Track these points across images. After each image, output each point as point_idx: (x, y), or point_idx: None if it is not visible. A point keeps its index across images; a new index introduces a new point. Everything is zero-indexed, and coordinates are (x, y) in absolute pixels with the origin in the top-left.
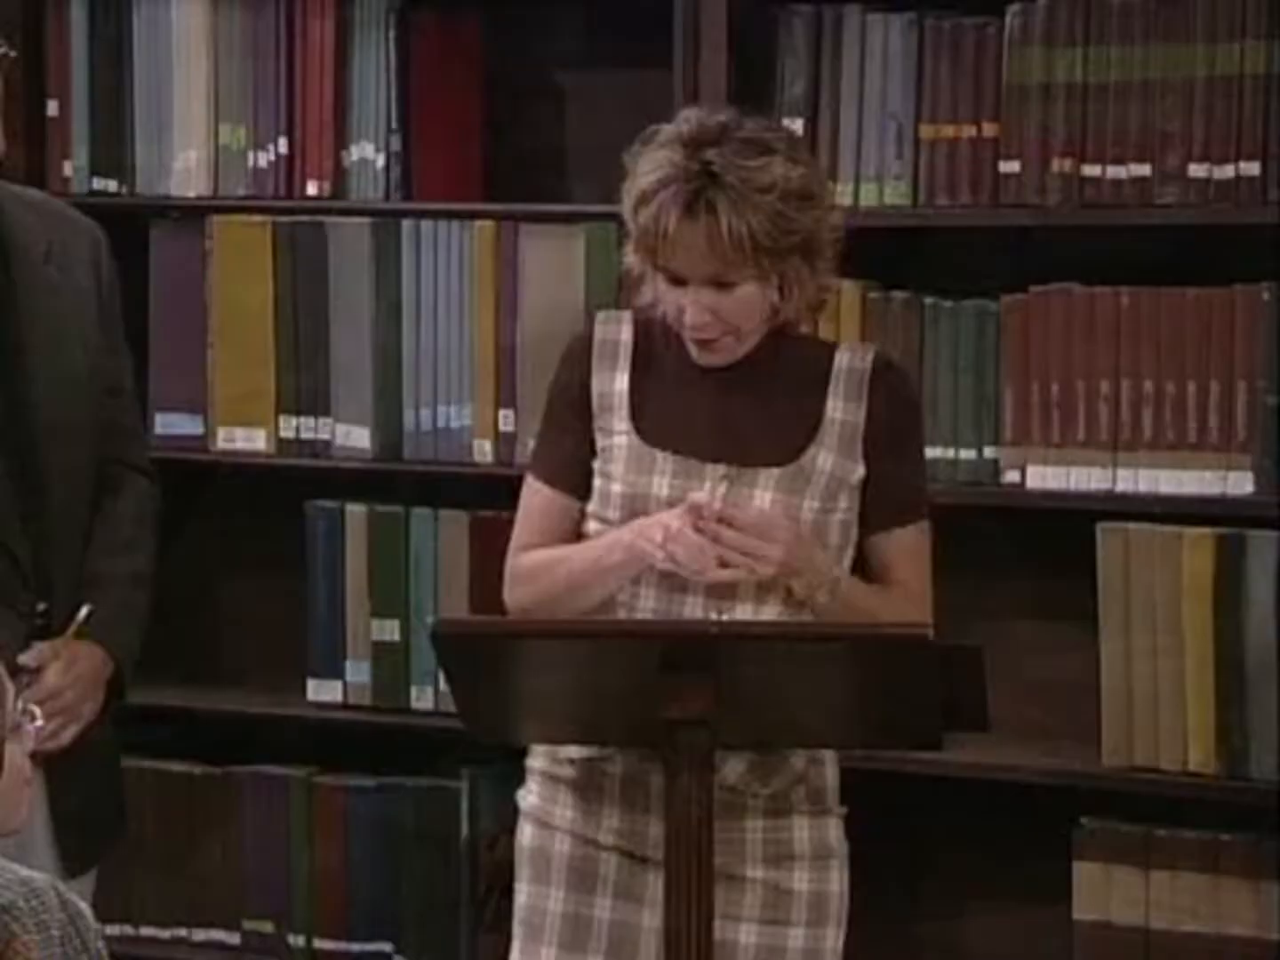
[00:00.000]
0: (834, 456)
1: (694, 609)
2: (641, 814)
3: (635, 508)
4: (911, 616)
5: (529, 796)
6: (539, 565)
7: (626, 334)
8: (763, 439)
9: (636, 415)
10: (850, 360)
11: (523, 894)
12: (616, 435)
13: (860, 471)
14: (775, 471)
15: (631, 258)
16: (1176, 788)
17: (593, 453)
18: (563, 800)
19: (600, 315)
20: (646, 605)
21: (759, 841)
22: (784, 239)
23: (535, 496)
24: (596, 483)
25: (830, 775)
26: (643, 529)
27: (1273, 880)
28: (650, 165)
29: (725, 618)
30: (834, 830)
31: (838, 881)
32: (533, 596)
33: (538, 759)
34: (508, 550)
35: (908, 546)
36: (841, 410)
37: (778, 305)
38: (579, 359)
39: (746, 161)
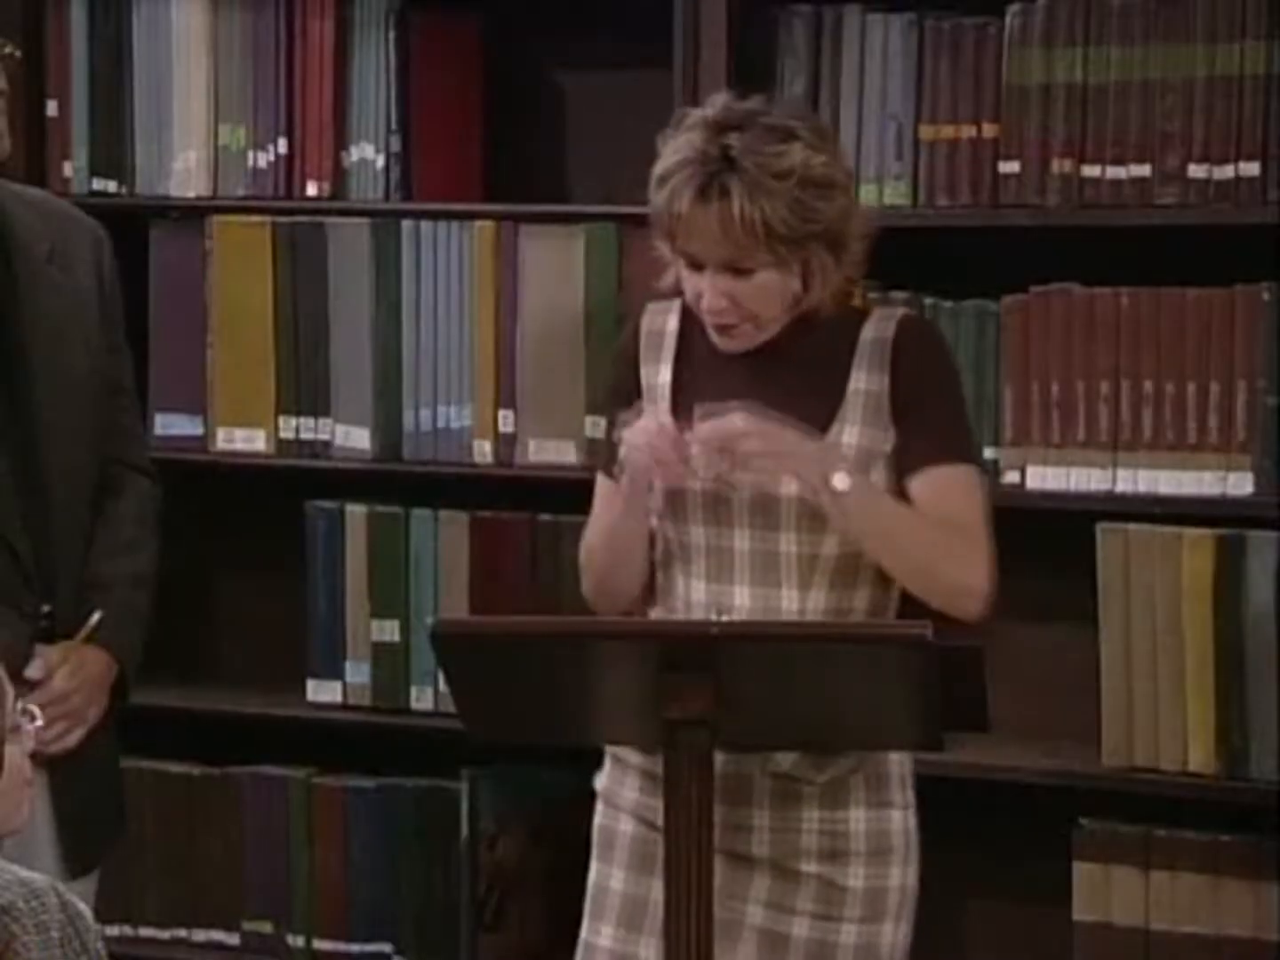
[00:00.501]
0: (860, 429)
1: (741, 598)
2: (663, 797)
3: (675, 501)
4: (963, 552)
5: (601, 777)
6: (588, 550)
7: (673, 323)
8: (789, 421)
9: (676, 406)
10: (875, 330)
11: (592, 870)
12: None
13: (892, 439)
14: None
15: (659, 241)
16: (1176, 788)
17: None
18: (629, 783)
19: (650, 305)
20: (699, 597)
21: (814, 834)
22: (802, 226)
23: (599, 490)
24: None
25: (894, 763)
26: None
27: (1273, 881)
28: (673, 148)
29: (726, 618)
30: (896, 823)
31: (898, 876)
32: (593, 581)
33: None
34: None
35: (948, 484)
36: (865, 381)
37: (799, 295)
38: (629, 352)
39: (765, 147)
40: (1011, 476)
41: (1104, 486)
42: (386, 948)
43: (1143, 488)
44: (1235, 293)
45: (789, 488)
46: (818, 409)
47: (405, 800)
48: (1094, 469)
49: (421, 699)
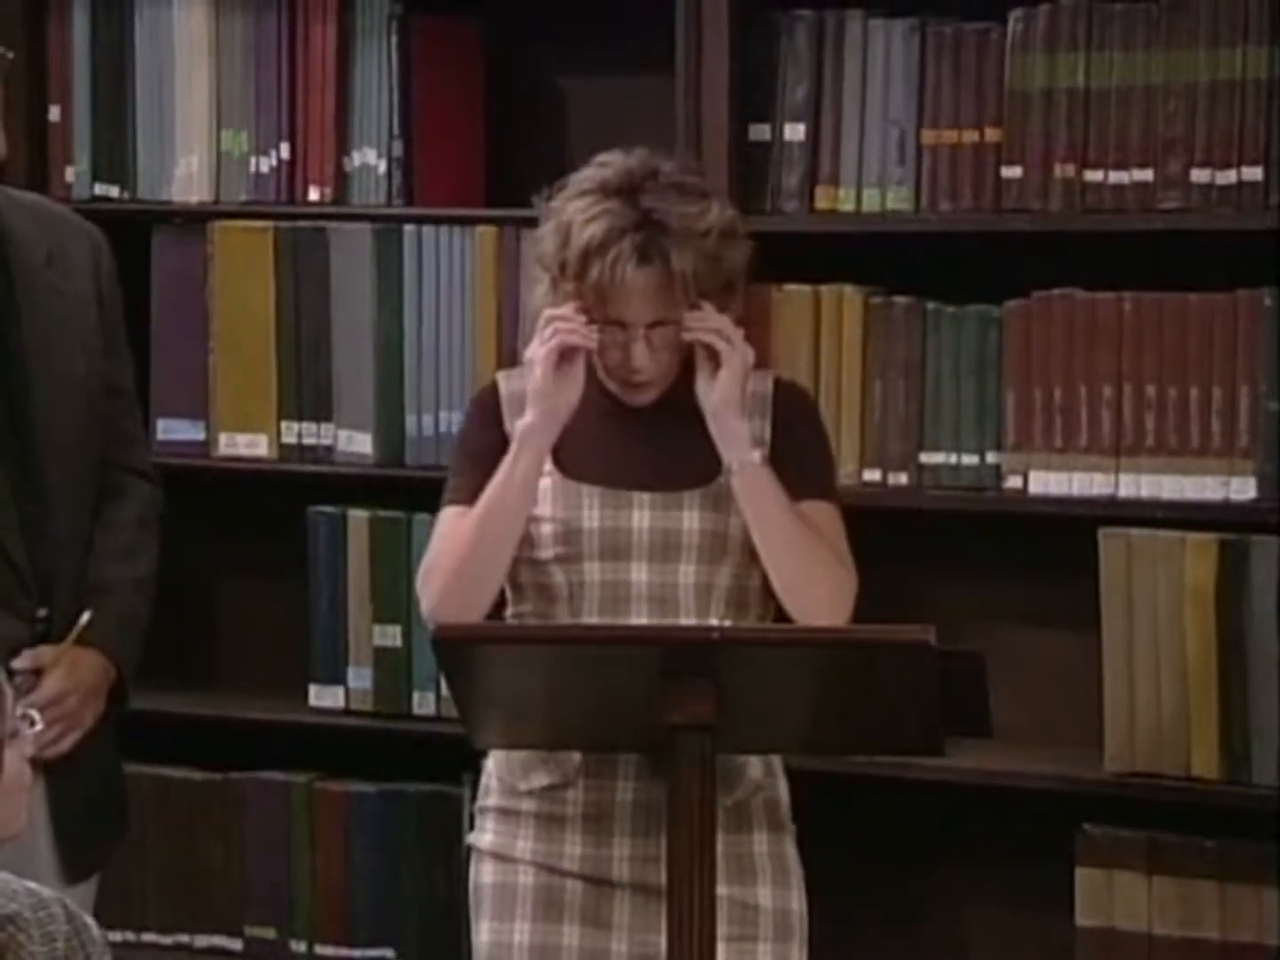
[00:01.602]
0: None
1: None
2: (605, 837)
3: (569, 541)
4: (835, 566)
5: (484, 836)
6: (438, 554)
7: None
8: (682, 463)
9: (558, 455)
10: (753, 384)
11: (485, 933)
12: (541, 478)
13: None
14: (698, 493)
15: (551, 300)
16: (1179, 793)
17: None
18: (523, 833)
19: (501, 374)
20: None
21: (722, 857)
22: (718, 277)
23: (461, 520)
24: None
25: (783, 789)
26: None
27: (1275, 886)
28: (588, 215)
29: (727, 623)
30: (790, 846)
31: (797, 900)
32: (445, 577)
33: (491, 797)
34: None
35: (822, 519)
36: (749, 428)
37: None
38: (490, 410)
39: (685, 207)
40: (1014, 481)
41: (1106, 491)
42: (389, 953)
43: (1145, 493)
44: (1237, 297)
45: (691, 522)
46: (709, 453)
47: (407, 805)
48: (1096, 474)
49: (423, 704)
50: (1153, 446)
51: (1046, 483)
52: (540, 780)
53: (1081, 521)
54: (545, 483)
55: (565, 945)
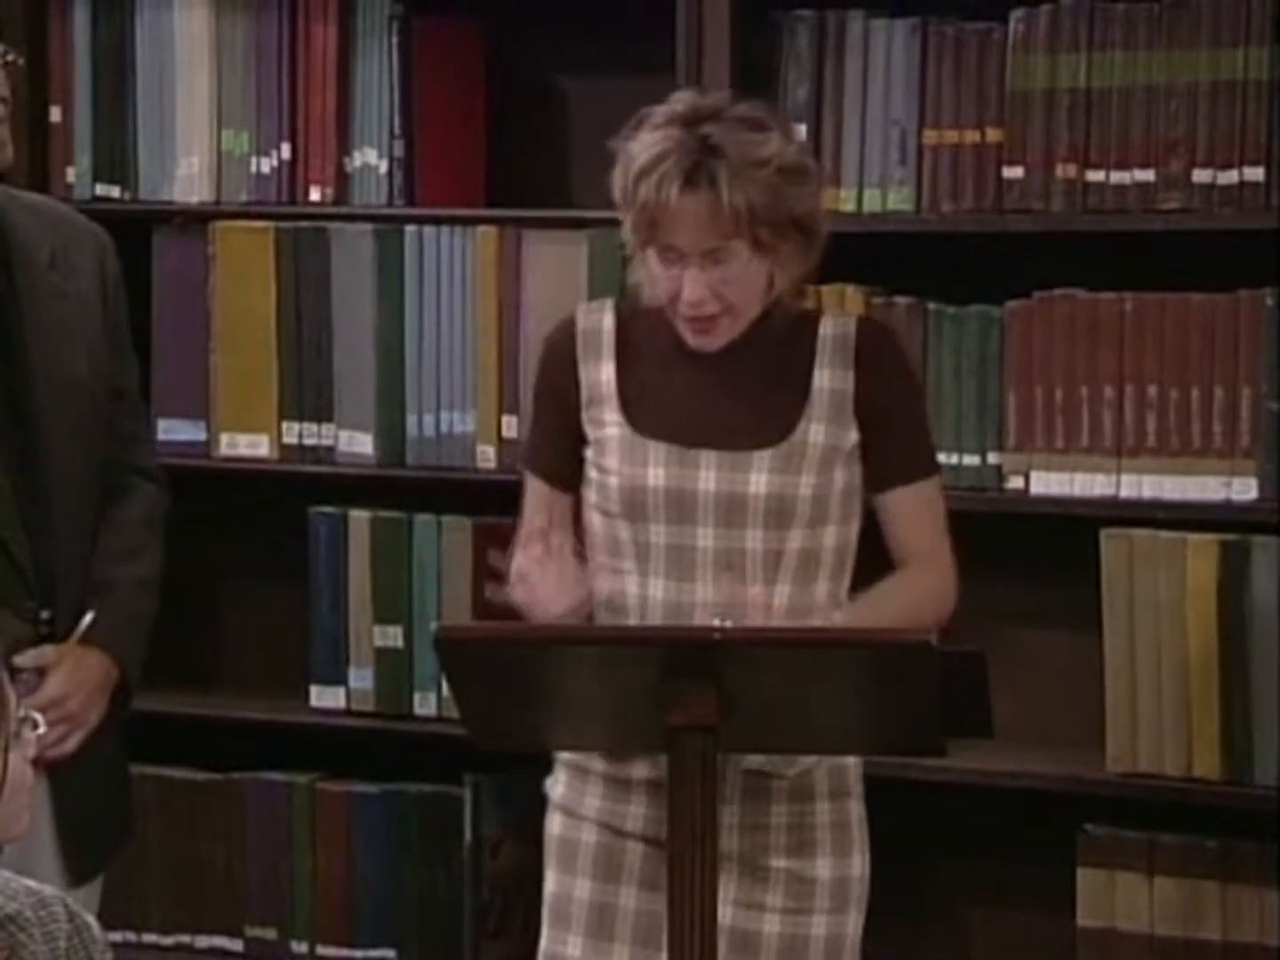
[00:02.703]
0: (825, 426)
1: (704, 595)
2: (668, 804)
3: (635, 499)
4: (935, 591)
5: (557, 786)
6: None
7: (609, 322)
8: (752, 420)
9: (627, 406)
10: (834, 328)
11: (551, 882)
12: (609, 427)
13: (854, 437)
14: (768, 453)
15: (629, 239)
16: (1181, 794)
17: (583, 443)
18: (591, 790)
19: (582, 306)
20: (656, 595)
21: (782, 828)
22: (782, 212)
23: (533, 493)
24: (592, 474)
25: (850, 755)
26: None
27: (1277, 887)
28: (647, 143)
29: (729, 623)
30: (855, 812)
31: (859, 865)
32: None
33: (567, 750)
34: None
35: (918, 505)
36: (829, 379)
37: (769, 285)
38: (564, 350)
39: (743, 135)
40: (1015, 482)
41: (1108, 492)
42: (390, 954)
43: (1147, 493)
44: (1239, 298)
45: (758, 485)
46: (783, 406)
47: (409, 806)
48: (1098, 474)
49: (425, 705)
50: (1154, 447)
51: (1048, 483)
52: None
53: (1083, 522)
54: (613, 433)
55: (622, 906)
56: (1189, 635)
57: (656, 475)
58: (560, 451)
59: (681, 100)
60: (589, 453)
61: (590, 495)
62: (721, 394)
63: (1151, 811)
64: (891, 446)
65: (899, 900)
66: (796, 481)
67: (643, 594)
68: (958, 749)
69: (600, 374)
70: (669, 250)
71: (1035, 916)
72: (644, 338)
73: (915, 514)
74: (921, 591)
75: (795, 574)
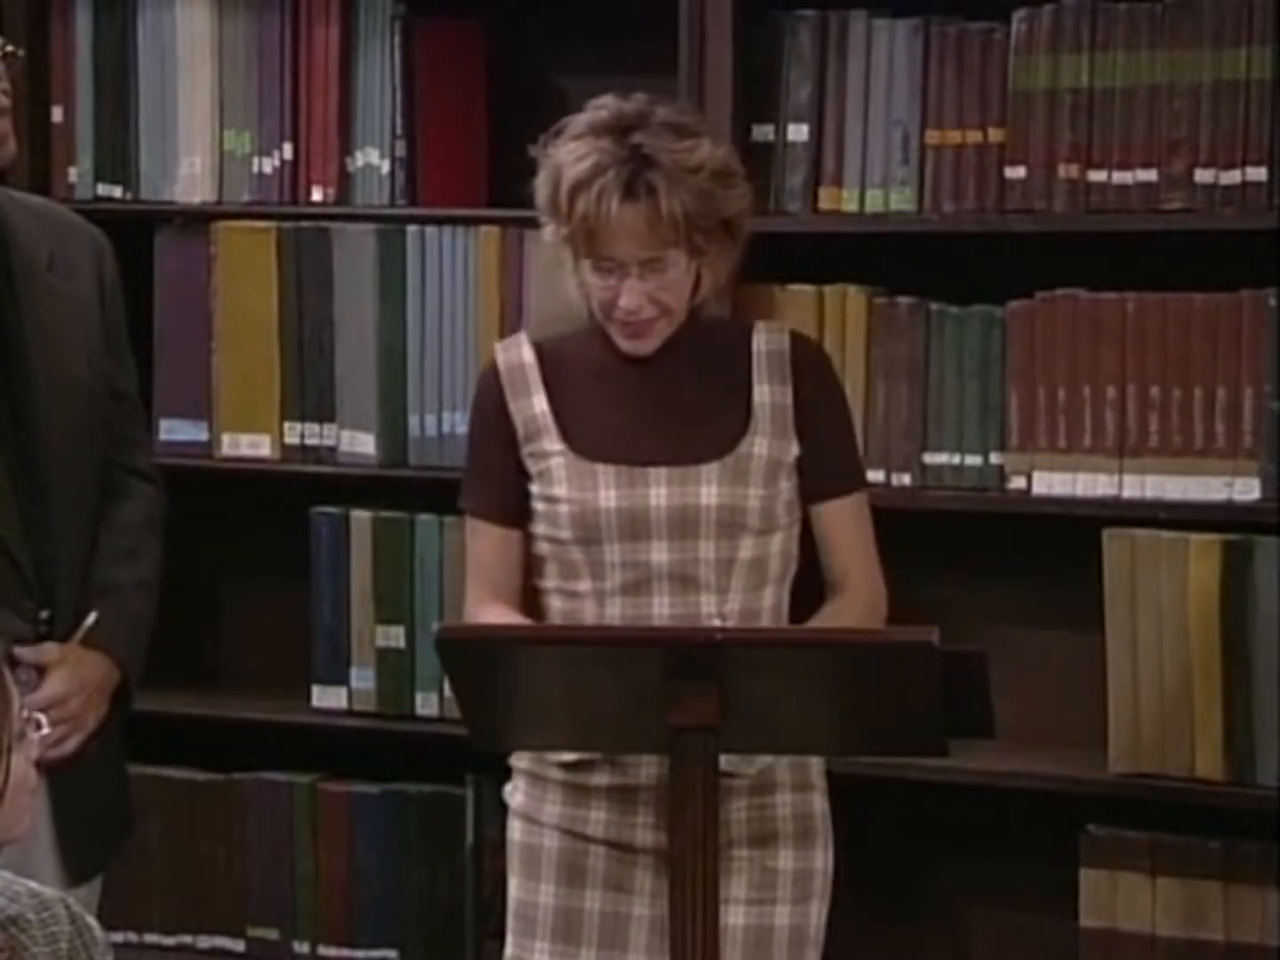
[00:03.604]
0: (769, 440)
1: (661, 609)
2: (629, 805)
3: (587, 523)
4: (865, 619)
5: (516, 795)
6: (470, 587)
7: (529, 356)
8: (697, 433)
9: (566, 432)
10: (768, 343)
11: (514, 889)
12: (552, 457)
13: (795, 450)
14: (715, 466)
15: (550, 236)
16: (1183, 794)
17: (525, 478)
18: (550, 797)
19: (498, 345)
20: (614, 612)
21: (743, 820)
22: (714, 217)
23: (482, 540)
24: (539, 506)
25: None
26: None
27: (1279, 887)
28: (577, 154)
29: (729, 624)
30: (817, 804)
31: (821, 858)
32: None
33: (523, 759)
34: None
35: (849, 517)
36: (769, 394)
37: (702, 285)
38: (492, 391)
39: (675, 143)
40: (1017, 482)
41: (1110, 492)
42: (391, 954)
43: (1149, 493)
44: (1241, 298)
45: (709, 498)
46: (726, 420)
47: (410, 806)
48: (1100, 475)
49: (426, 705)
50: (1156, 447)
51: (1050, 483)
52: (567, 756)
53: (1085, 522)
54: (558, 462)
55: (587, 909)
56: (1191, 635)
57: (608, 497)
58: (505, 492)
59: (605, 107)
60: (533, 487)
61: (538, 527)
62: (662, 410)
63: (1154, 812)
64: (826, 460)
65: (900, 900)
66: (745, 493)
67: (600, 613)
68: (959, 749)
69: (533, 407)
70: (606, 260)
71: (1037, 917)
72: (570, 364)
73: (847, 526)
74: (853, 621)
75: (746, 581)
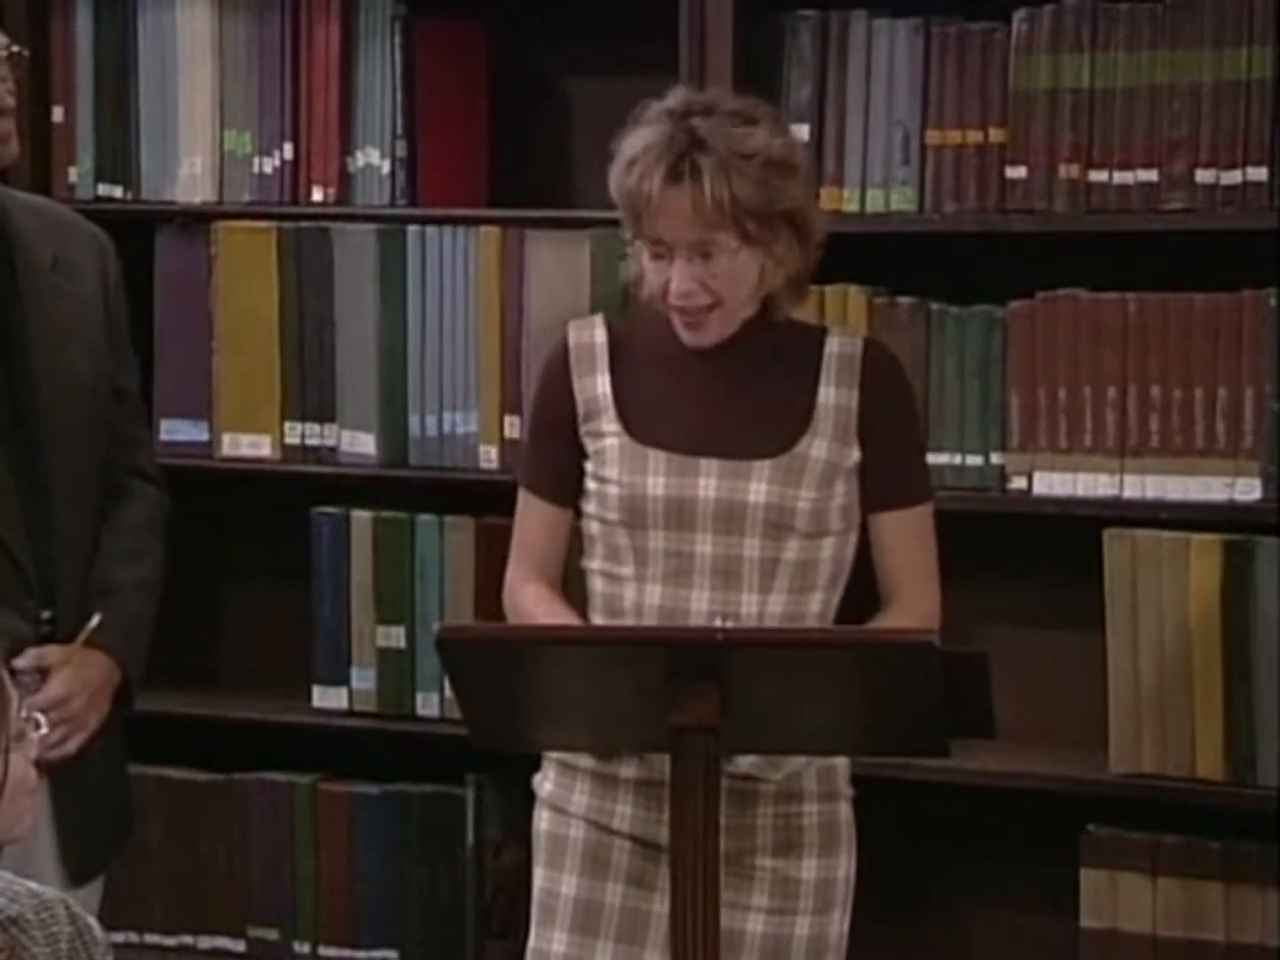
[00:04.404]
0: (828, 443)
1: (700, 602)
2: (656, 803)
3: (634, 507)
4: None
5: (545, 784)
6: (515, 607)
7: (601, 336)
8: (754, 429)
9: (625, 415)
10: (840, 346)
11: (539, 878)
12: (608, 437)
13: (856, 455)
14: (768, 464)
15: (626, 233)
16: (1184, 795)
17: (583, 457)
18: (579, 788)
19: (573, 323)
20: (653, 601)
21: (769, 828)
22: (770, 205)
23: (531, 514)
24: (591, 485)
25: (840, 757)
26: None
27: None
28: (637, 136)
29: (730, 624)
30: (843, 813)
31: (845, 867)
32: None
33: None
34: (508, 564)
35: (908, 531)
36: (834, 396)
37: (765, 278)
38: (558, 368)
39: (731, 129)
40: (1018, 482)
41: (1111, 492)
42: (392, 954)
43: (1150, 494)
44: (1242, 298)
45: (757, 495)
46: (786, 420)
47: (411, 806)
48: (1101, 475)
49: (427, 705)
50: (1157, 447)
51: (1051, 484)
52: None
53: (1086, 522)
54: (613, 443)
55: (609, 903)
56: (1192, 636)
57: (656, 483)
58: (560, 470)
59: (676, 94)
60: (589, 466)
61: (589, 506)
62: (722, 402)
63: (1154, 812)
64: (889, 469)
65: (901, 901)
66: (796, 494)
67: (639, 599)
68: (960, 750)
69: (596, 387)
70: (657, 243)
71: (1038, 917)
72: (640, 348)
73: (905, 540)
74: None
75: (791, 583)
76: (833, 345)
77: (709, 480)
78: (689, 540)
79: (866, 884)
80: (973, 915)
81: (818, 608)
